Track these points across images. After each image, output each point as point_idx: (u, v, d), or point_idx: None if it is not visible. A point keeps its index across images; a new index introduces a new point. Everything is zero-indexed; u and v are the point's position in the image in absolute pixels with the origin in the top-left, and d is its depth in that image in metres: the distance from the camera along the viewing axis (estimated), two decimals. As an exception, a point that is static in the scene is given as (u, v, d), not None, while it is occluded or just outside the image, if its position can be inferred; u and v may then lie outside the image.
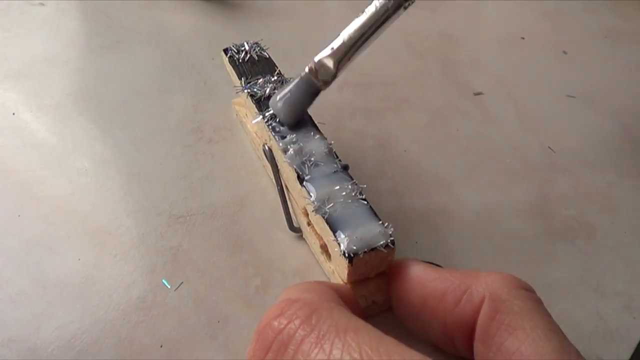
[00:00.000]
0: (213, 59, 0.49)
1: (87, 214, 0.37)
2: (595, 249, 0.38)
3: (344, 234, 0.28)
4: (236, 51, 0.39)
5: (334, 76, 0.33)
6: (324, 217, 0.29)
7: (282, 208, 0.36)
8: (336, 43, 0.32)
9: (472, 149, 0.44)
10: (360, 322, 0.21)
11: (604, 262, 0.37)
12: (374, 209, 0.30)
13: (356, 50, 0.32)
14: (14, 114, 0.44)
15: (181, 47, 0.50)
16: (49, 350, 0.31)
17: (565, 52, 0.53)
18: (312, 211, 0.30)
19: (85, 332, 0.32)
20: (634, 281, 0.36)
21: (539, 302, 0.25)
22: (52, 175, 0.40)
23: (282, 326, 0.21)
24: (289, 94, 0.34)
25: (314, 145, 0.32)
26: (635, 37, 0.56)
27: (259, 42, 0.40)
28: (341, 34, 0.32)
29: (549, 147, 0.44)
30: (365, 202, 0.30)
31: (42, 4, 0.53)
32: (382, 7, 0.31)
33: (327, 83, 0.33)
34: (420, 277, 0.27)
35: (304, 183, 0.31)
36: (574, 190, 0.41)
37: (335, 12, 0.56)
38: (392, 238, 0.28)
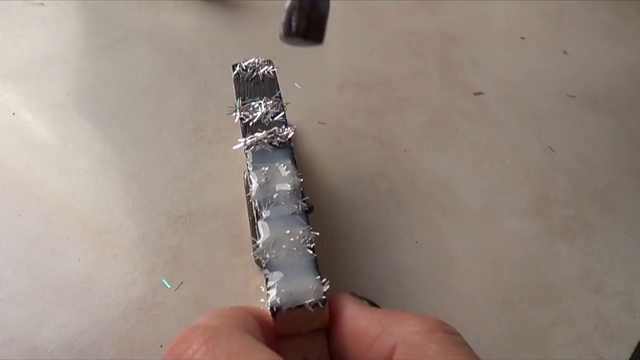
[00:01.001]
0: (213, 59, 0.49)
1: (87, 214, 0.37)
2: (595, 249, 0.38)
3: (275, 285, 0.26)
4: (244, 68, 0.37)
5: None
6: (263, 263, 0.28)
7: (250, 240, 0.35)
8: None
9: (472, 149, 0.44)
10: (256, 347, 0.21)
11: (604, 262, 0.37)
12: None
13: None
14: (14, 114, 0.44)
15: (181, 47, 0.50)
16: (49, 350, 0.31)
17: (565, 52, 0.53)
18: (253, 254, 0.28)
19: (85, 332, 0.32)
20: (634, 281, 0.36)
21: (459, 345, 0.23)
22: (52, 175, 0.40)
23: (181, 351, 0.21)
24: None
25: (282, 180, 0.31)
26: (635, 37, 0.56)
27: (272, 60, 0.38)
28: None
29: (549, 147, 0.44)
30: (311, 253, 0.28)
31: (42, 4, 0.53)
32: None
33: None
34: (344, 315, 0.26)
35: (258, 222, 0.29)
36: (574, 190, 0.41)
37: (335, 12, 0.55)
38: (324, 297, 0.26)
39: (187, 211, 0.38)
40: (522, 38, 0.55)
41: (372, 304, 0.28)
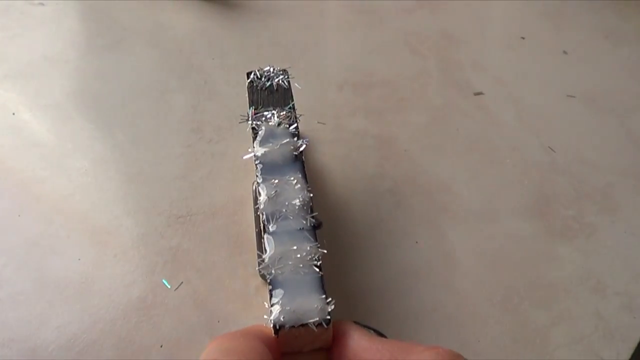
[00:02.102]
0: (213, 59, 0.49)
1: (87, 214, 0.37)
2: (595, 249, 0.38)
3: (279, 302, 0.26)
4: (258, 76, 0.36)
5: None
6: (268, 278, 0.27)
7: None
8: None
9: (472, 149, 0.44)
10: None
11: (604, 262, 0.37)
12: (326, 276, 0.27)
13: None
14: (14, 114, 0.44)
15: (181, 47, 0.50)
16: (49, 350, 0.31)
17: (565, 52, 0.53)
18: (258, 269, 0.28)
19: (85, 332, 0.32)
20: (634, 281, 0.36)
21: None
22: (52, 175, 0.40)
23: None
24: None
25: (292, 194, 0.30)
26: (635, 37, 0.56)
27: (287, 69, 0.37)
28: None
29: (549, 147, 0.44)
30: (317, 270, 0.27)
31: (42, 4, 0.53)
32: None
33: None
34: (352, 346, 0.25)
35: (264, 236, 0.29)
36: (574, 190, 0.41)
37: (335, 12, 0.56)
38: (329, 317, 0.26)
39: (187, 211, 0.38)
40: (522, 38, 0.55)
41: (379, 333, 0.27)
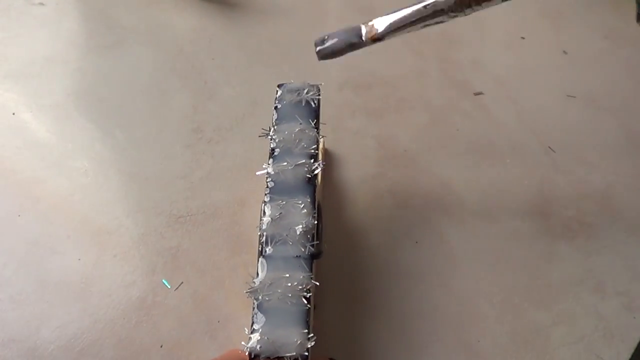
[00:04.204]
0: (213, 59, 0.49)
1: (87, 214, 0.37)
2: (595, 249, 0.38)
3: (259, 330, 0.26)
4: (289, 89, 0.35)
5: (379, 39, 0.34)
6: (255, 303, 0.27)
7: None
8: (394, 17, 0.35)
9: (472, 149, 0.44)
10: None
11: (604, 262, 0.37)
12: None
13: (404, 28, 0.34)
14: (14, 114, 0.44)
15: (181, 47, 0.50)
16: (49, 350, 0.31)
17: (565, 52, 0.53)
18: (246, 292, 0.27)
19: (85, 332, 0.32)
20: (634, 281, 0.36)
21: None
22: (52, 175, 0.40)
23: None
24: (335, 36, 0.34)
25: (296, 219, 0.29)
26: (636, 37, 0.56)
27: (319, 85, 0.35)
28: (400, 12, 0.34)
29: (549, 147, 0.44)
30: (305, 303, 0.27)
31: (42, 4, 0.53)
32: (441, 4, 0.33)
33: (368, 42, 0.35)
34: None
35: (260, 259, 0.28)
36: (574, 190, 0.41)
37: (335, 12, 0.56)
38: (307, 353, 0.26)
39: (187, 211, 0.38)
40: (522, 38, 0.55)
41: None
